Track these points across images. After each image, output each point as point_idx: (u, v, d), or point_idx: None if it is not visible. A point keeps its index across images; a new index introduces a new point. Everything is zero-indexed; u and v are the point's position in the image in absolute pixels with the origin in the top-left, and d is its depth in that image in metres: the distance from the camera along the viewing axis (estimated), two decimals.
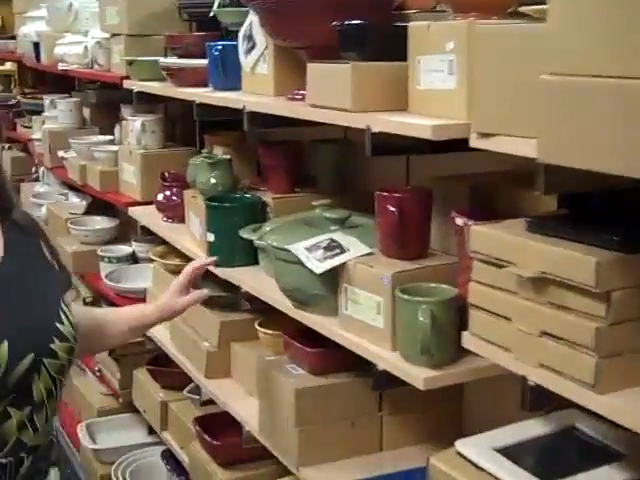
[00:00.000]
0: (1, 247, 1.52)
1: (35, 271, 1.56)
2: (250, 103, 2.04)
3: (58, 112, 3.81)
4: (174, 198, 2.72)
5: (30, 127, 4.66)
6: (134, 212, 2.97)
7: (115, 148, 3.26)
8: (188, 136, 3.23)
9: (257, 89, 2.19)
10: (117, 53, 3.04)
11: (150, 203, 2.98)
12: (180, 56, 2.72)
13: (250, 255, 2.20)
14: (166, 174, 2.82)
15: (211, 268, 2.28)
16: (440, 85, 1.50)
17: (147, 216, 2.89)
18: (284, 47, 2.03)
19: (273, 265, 1.94)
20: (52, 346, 1.47)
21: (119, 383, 3.25)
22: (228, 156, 2.40)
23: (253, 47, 2.17)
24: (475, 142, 1.31)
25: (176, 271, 2.83)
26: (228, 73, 2.29)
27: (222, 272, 2.24)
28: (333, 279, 1.76)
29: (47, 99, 4.39)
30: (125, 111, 3.32)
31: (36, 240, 1.62)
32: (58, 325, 1.49)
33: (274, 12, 1.86)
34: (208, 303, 2.50)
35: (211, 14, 2.63)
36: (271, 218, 2.27)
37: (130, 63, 2.83)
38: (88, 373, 3.63)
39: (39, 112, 4.60)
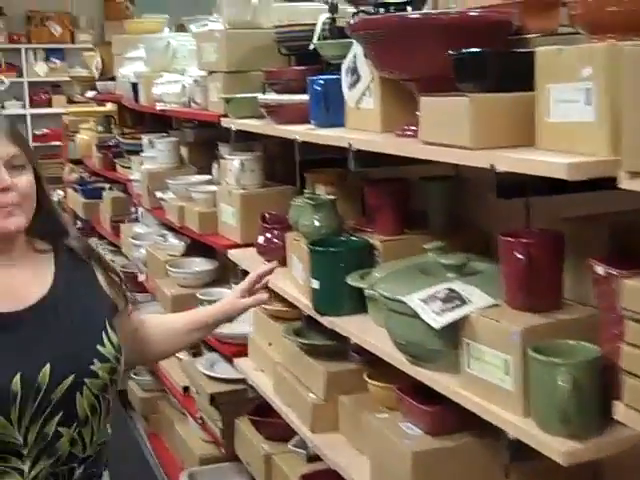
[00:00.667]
0: (51, 274, 1.69)
1: (82, 297, 1.70)
2: (357, 141, 1.89)
3: (156, 152, 3.76)
4: (275, 241, 2.59)
5: (129, 167, 4.64)
6: (234, 255, 2.86)
7: (213, 188, 3.17)
8: (288, 174, 3.11)
9: (362, 125, 2.05)
10: (214, 91, 2.96)
11: (250, 245, 2.87)
12: (279, 92, 2.61)
13: (358, 303, 2.05)
14: (266, 215, 2.70)
15: (314, 314, 2.15)
16: (575, 117, 1.32)
17: (247, 259, 2.77)
18: (391, 79, 1.88)
19: (384, 316, 1.78)
20: (92, 367, 1.61)
21: (221, 432, 3.13)
22: (332, 197, 2.26)
23: (357, 80, 2.03)
24: (627, 183, 1.13)
25: (278, 316, 2.72)
26: (331, 108, 2.15)
27: (328, 321, 2.10)
28: (453, 334, 1.59)
29: (145, 139, 4.36)
30: (223, 150, 3.23)
31: (89, 266, 1.76)
32: (99, 347, 1.64)
33: (381, 42, 1.71)
34: (313, 352, 2.36)
35: (311, 47, 2.52)
36: (379, 262, 2.12)
37: (228, 101, 2.73)
38: (190, 420, 3.53)
39: (138, 152, 4.58)
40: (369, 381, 2.10)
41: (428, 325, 1.59)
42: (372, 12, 2.05)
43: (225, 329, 3.08)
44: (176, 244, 3.67)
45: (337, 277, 2.06)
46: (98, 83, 5.22)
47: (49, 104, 9.06)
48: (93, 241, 5.22)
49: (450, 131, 1.52)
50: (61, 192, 6.74)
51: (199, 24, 3.94)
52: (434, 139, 1.59)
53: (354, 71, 2.04)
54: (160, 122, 4.78)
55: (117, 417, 1.89)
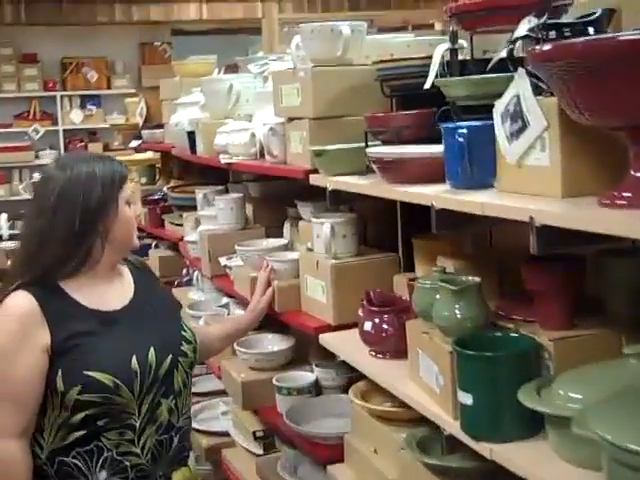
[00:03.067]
0: (132, 282, 2.15)
1: (157, 295, 2.21)
2: (544, 214, 1.36)
3: (216, 210, 3.25)
4: (388, 329, 2.07)
5: (180, 225, 4.15)
6: (329, 342, 2.33)
7: (295, 256, 2.65)
8: (381, 237, 2.60)
9: (527, 187, 1.53)
10: (297, 141, 2.46)
11: (345, 327, 2.36)
12: (387, 142, 2.11)
13: (530, 424, 1.52)
14: (371, 294, 2.18)
15: (464, 438, 1.61)
16: None
17: (347, 347, 2.25)
18: (580, 128, 1.37)
19: (606, 465, 1.25)
20: (182, 348, 2.10)
21: None
22: (477, 279, 1.73)
23: (523, 128, 1.52)
24: None
25: (385, 417, 2.19)
26: (476, 165, 1.64)
27: (487, 450, 1.56)
28: None
29: (200, 193, 3.87)
30: (304, 210, 2.73)
31: (149, 273, 2.33)
32: (183, 332, 2.14)
33: (597, 73, 1.19)
34: (447, 474, 1.82)
35: (426, 86, 2.02)
36: (549, 367, 1.59)
37: (319, 154, 2.23)
38: None
39: (189, 207, 4.10)
40: None
41: None
42: (539, 37, 1.54)
43: (310, 423, 2.55)
44: None
45: (500, 391, 1.53)
46: (143, 131, 4.76)
47: None
48: None
49: None
50: None
51: (258, 64, 3.48)
52: None
53: (517, 116, 1.53)
54: (213, 173, 4.31)
55: None
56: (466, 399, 1.58)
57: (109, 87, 9.03)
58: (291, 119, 2.52)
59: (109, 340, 1.99)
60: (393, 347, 2.07)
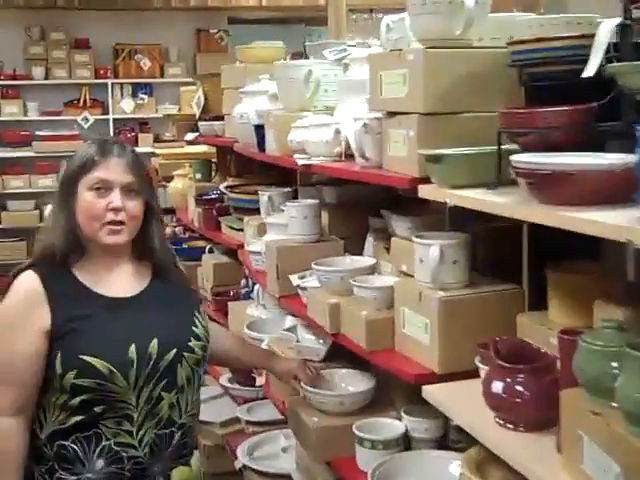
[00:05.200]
0: (149, 277, 2.09)
1: (175, 291, 2.11)
2: None
3: (288, 219, 2.77)
4: (523, 392, 1.57)
5: (240, 230, 3.69)
6: (433, 395, 1.84)
7: (388, 283, 2.16)
8: (497, 265, 2.10)
9: None
10: (400, 142, 1.97)
11: (453, 377, 1.88)
12: (528, 146, 1.61)
13: None
14: (498, 344, 1.68)
15: None
16: None
17: (457, 405, 1.76)
18: None
19: None
20: (190, 344, 2.03)
21: None
22: None
23: None
24: None
25: None
26: None
27: None
28: None
29: (264, 195, 3.40)
30: (399, 224, 2.24)
31: (174, 270, 2.17)
32: (194, 328, 2.07)
33: None
34: None
35: (588, 73, 1.52)
36: None
37: (437, 159, 1.73)
38: None
39: (250, 211, 3.63)
40: None
41: None
42: None
43: None
44: (314, 346, 2.68)
45: None
46: (201, 123, 4.30)
47: (135, 143, 8.22)
48: None
49: None
50: None
51: (334, 50, 3.00)
52: None
53: None
54: (277, 172, 3.84)
55: None
56: None
57: (162, 75, 8.62)
58: (392, 114, 2.02)
59: (109, 326, 1.96)
60: (532, 417, 1.57)
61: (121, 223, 1.98)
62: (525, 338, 1.81)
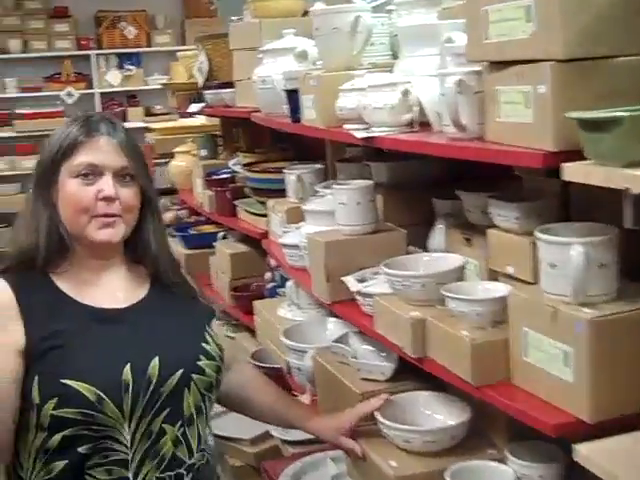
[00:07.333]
0: (148, 283, 1.74)
1: (180, 302, 1.75)
2: None
3: (336, 206, 2.21)
4: None
5: (262, 215, 3.14)
6: (588, 457, 1.30)
7: (500, 292, 1.62)
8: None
9: None
10: (522, 102, 1.42)
11: (610, 427, 1.35)
12: None
13: None
14: None
15: None
16: None
17: (630, 471, 1.24)
18: None
19: None
20: (199, 363, 1.67)
21: None
22: None
23: None
24: None
25: None
26: None
27: None
28: None
29: (291, 174, 2.87)
30: (502, 213, 1.69)
31: (184, 279, 1.82)
32: (204, 345, 1.70)
33: None
34: None
35: None
36: None
37: (604, 125, 1.18)
38: None
39: (273, 192, 3.09)
40: None
41: None
42: None
43: None
44: (378, 363, 2.14)
45: None
46: (207, 92, 3.73)
47: (124, 118, 7.65)
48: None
49: None
50: None
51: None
52: None
53: None
54: (297, 144, 3.30)
55: None
56: None
57: (149, 44, 8.05)
58: (504, 64, 1.47)
59: (98, 343, 1.61)
60: None
61: (115, 215, 1.64)
62: None
